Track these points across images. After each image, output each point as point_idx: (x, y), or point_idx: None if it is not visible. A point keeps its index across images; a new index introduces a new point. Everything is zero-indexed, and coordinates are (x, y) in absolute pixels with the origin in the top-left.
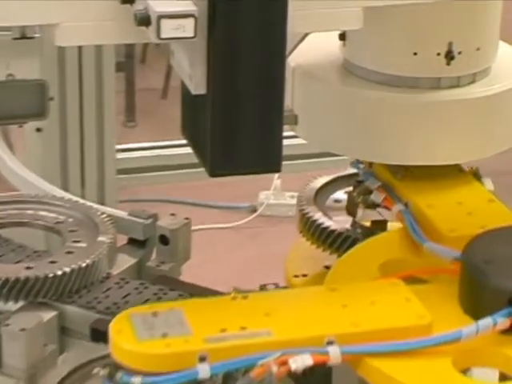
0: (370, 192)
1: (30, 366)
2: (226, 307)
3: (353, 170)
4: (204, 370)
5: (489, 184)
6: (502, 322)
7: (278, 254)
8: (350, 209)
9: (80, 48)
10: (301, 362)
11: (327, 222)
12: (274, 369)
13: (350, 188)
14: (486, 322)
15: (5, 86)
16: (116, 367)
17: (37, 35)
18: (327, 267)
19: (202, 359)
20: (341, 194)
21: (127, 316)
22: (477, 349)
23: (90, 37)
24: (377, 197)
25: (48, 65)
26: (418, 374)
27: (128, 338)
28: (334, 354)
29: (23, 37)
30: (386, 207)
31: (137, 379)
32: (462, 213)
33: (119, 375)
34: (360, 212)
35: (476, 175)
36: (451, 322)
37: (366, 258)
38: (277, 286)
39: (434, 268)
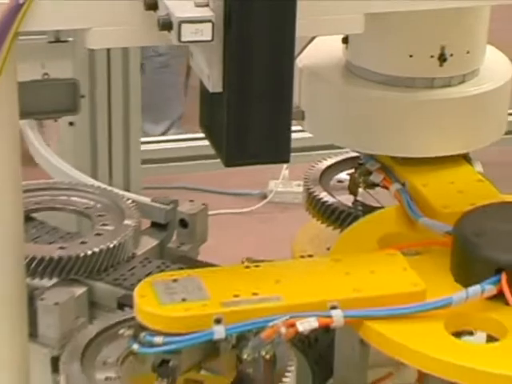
0: (370, 173)
1: (63, 336)
2: (240, 275)
3: (354, 154)
4: (219, 332)
5: (478, 166)
6: (489, 289)
7: (286, 237)
8: (352, 188)
9: (108, 50)
10: (307, 324)
11: (331, 200)
12: (283, 330)
13: (352, 170)
14: (475, 289)
15: (41, 84)
16: (140, 328)
17: (70, 39)
18: (329, 249)
19: (218, 321)
20: (344, 175)
21: (150, 282)
22: (467, 313)
23: (118, 40)
24: (376, 177)
25: (79, 65)
26: (413, 336)
27: (151, 302)
28: (337, 317)
29: (57, 40)
30: (385, 187)
31: (158, 339)
32: (454, 191)
33: (143, 335)
34: (360, 191)
35: (466, 158)
36: (443, 290)
37: (365, 232)
38: None
39: (428, 241)
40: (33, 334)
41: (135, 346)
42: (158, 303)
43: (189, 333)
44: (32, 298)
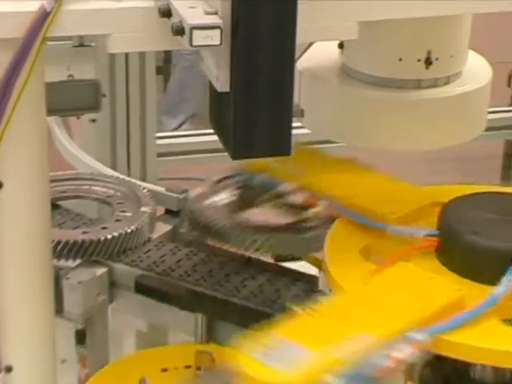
0: (281, 196)
1: (85, 312)
2: (310, 320)
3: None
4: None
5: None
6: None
7: None
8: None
9: (127, 54)
10: (407, 351)
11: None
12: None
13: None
14: (507, 281)
15: (66, 84)
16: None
17: (92, 44)
18: None
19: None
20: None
21: (247, 356)
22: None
23: (136, 45)
24: (298, 198)
25: (101, 68)
26: (483, 336)
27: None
28: (422, 340)
29: (81, 45)
30: (308, 206)
31: None
32: (384, 197)
33: None
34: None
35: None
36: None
37: (345, 243)
38: None
39: (412, 246)
40: (59, 310)
41: None
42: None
43: None
44: (58, 277)
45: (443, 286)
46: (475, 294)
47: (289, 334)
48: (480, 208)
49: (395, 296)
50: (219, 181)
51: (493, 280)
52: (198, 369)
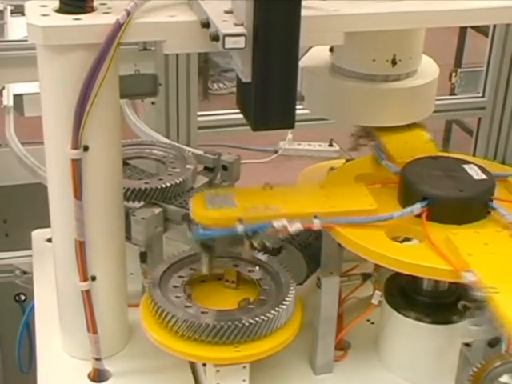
0: (360, 137)
1: (147, 239)
2: (260, 193)
3: None
4: (240, 228)
5: (429, 135)
6: (416, 209)
7: (291, 177)
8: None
9: (177, 55)
10: (295, 227)
11: None
12: (280, 229)
13: None
14: (408, 209)
15: (134, 76)
16: (193, 223)
17: (152, 48)
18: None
19: (240, 221)
20: None
21: (201, 194)
22: (401, 225)
23: (183, 48)
24: (364, 141)
25: (159, 64)
26: (366, 238)
27: (200, 207)
28: (316, 223)
29: (145, 48)
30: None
31: (201, 229)
32: (407, 148)
33: (194, 227)
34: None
35: (422, 127)
36: (392, 211)
37: (346, 172)
38: None
39: (387, 180)
40: (128, 237)
41: (189, 235)
42: (204, 208)
43: (222, 228)
44: (127, 214)
45: (364, 202)
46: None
47: (236, 193)
48: (432, 166)
49: (328, 195)
50: None
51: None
52: (226, 281)
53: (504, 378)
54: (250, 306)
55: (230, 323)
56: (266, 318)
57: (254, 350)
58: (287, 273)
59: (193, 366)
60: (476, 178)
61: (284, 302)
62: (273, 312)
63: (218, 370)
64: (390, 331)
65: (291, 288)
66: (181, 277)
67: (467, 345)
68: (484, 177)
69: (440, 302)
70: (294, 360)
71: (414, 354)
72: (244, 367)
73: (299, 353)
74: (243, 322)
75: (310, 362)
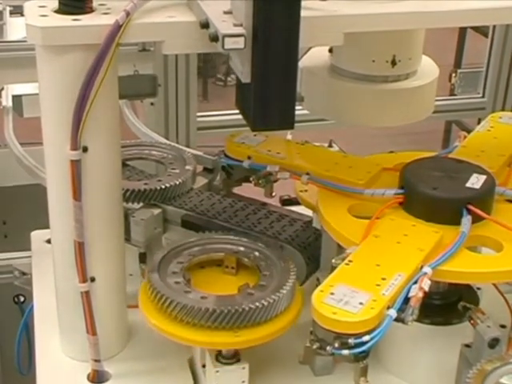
0: (270, 174)
1: (146, 240)
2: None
3: None
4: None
5: (335, 147)
6: (389, 194)
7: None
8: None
9: (176, 55)
10: (282, 176)
11: None
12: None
13: None
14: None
15: (133, 77)
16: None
17: (151, 49)
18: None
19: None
20: None
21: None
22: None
23: (182, 48)
24: (283, 176)
25: (157, 65)
26: (464, 262)
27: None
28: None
29: (144, 49)
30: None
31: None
32: (345, 167)
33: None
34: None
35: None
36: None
37: (334, 204)
38: (289, 196)
39: (388, 204)
40: (127, 238)
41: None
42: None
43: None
44: (127, 215)
45: (426, 230)
46: (445, 232)
47: (344, 281)
48: (428, 169)
49: (397, 242)
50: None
51: (450, 221)
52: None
53: (504, 379)
54: (250, 291)
55: (229, 308)
56: (266, 303)
57: (254, 336)
58: (287, 258)
59: (192, 367)
60: (467, 185)
61: (284, 287)
62: (273, 297)
63: (217, 371)
64: (390, 332)
65: (291, 273)
66: (180, 262)
67: (467, 346)
68: (476, 187)
69: (440, 303)
70: (293, 361)
71: (414, 355)
72: (243, 368)
73: (299, 353)
74: (243, 306)
75: (310, 364)
